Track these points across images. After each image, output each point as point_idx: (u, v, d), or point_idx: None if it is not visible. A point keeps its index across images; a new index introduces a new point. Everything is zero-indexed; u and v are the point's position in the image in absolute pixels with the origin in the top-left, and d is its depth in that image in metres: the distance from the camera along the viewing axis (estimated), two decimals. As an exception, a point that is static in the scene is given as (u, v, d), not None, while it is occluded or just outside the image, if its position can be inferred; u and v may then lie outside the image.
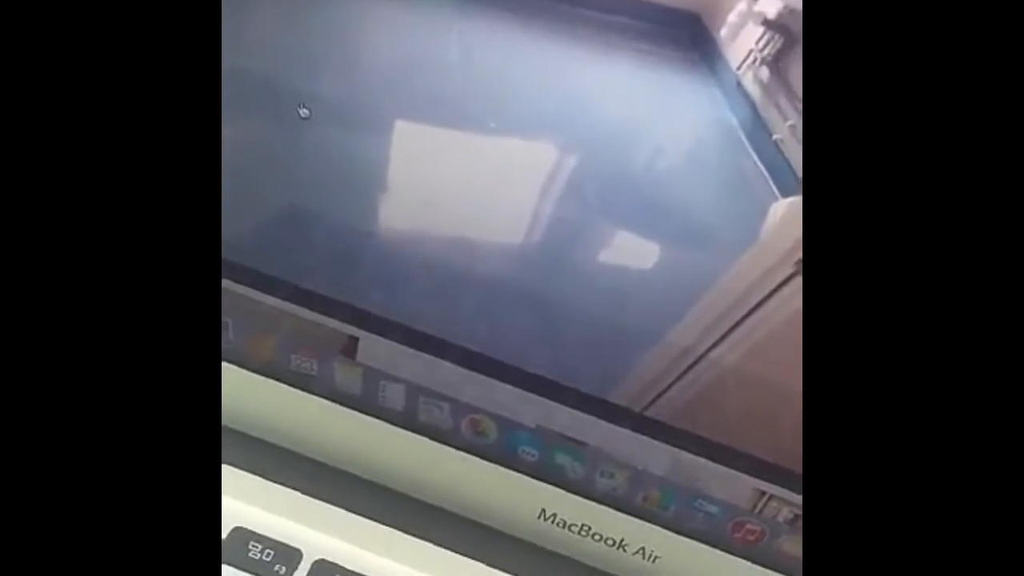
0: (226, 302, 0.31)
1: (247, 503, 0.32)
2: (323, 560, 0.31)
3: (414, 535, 0.33)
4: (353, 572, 0.31)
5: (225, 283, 0.31)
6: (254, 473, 0.33)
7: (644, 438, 0.30)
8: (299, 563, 0.31)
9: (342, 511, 0.33)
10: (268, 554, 0.31)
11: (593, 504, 0.32)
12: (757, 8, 0.23)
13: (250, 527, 0.32)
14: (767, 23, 0.23)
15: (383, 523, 0.33)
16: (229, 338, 0.32)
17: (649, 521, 0.32)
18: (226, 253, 0.30)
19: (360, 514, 0.33)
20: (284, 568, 0.31)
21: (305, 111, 0.28)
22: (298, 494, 0.33)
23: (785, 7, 0.23)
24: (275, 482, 0.33)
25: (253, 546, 0.31)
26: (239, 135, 0.28)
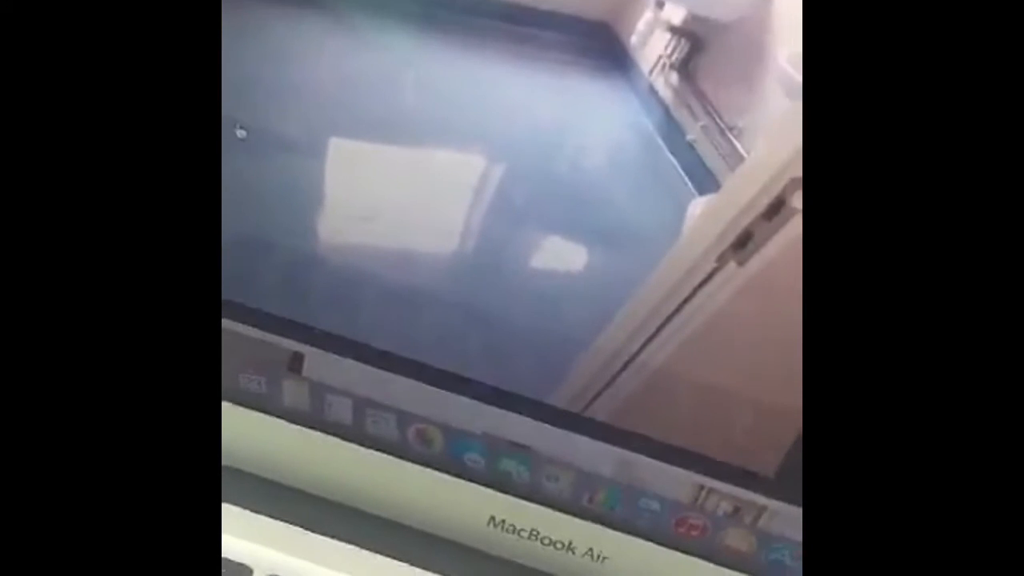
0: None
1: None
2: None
3: (365, 548, 0.33)
4: (305, 586, 0.32)
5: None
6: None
7: (586, 439, 0.31)
8: (250, 579, 0.32)
9: (292, 526, 0.33)
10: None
11: (540, 508, 0.33)
12: (663, 16, 0.24)
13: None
14: (673, 29, 0.25)
15: (334, 537, 0.33)
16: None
17: (596, 522, 0.33)
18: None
19: (310, 529, 0.33)
20: (235, 585, 0.31)
21: (242, 132, 0.29)
22: (246, 512, 0.33)
23: (690, 14, 0.24)
24: (224, 501, 0.33)
25: (205, 565, 0.31)
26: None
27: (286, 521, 0.33)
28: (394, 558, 0.33)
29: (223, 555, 0.32)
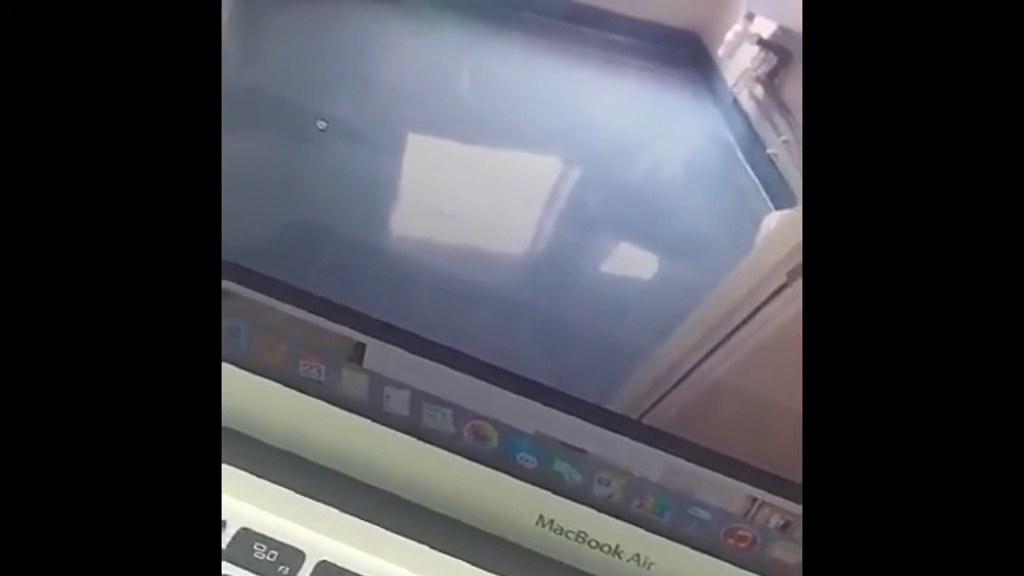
0: (238, 307, 0.32)
1: (253, 505, 0.33)
2: (326, 562, 0.32)
3: (414, 539, 0.33)
4: (354, 574, 0.32)
5: (237, 288, 0.32)
6: (261, 476, 0.34)
7: (641, 445, 0.31)
8: (302, 564, 0.32)
9: (345, 515, 0.33)
10: (272, 555, 0.32)
11: (589, 511, 0.33)
12: (753, 28, 0.25)
13: (256, 528, 0.32)
14: (762, 43, 0.25)
15: (384, 527, 0.34)
16: (240, 343, 0.33)
17: (644, 528, 0.33)
18: (240, 259, 0.31)
19: (362, 518, 0.34)
20: (288, 569, 0.32)
21: (322, 123, 0.29)
22: (303, 497, 0.34)
23: (779, 28, 0.24)
24: (281, 485, 0.34)
25: (258, 547, 0.32)
26: (258, 147, 0.29)
27: (340, 508, 0.33)
28: (441, 550, 0.33)
29: (278, 539, 0.32)
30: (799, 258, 0.27)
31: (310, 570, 0.32)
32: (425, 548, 0.33)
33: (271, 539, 0.32)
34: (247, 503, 0.33)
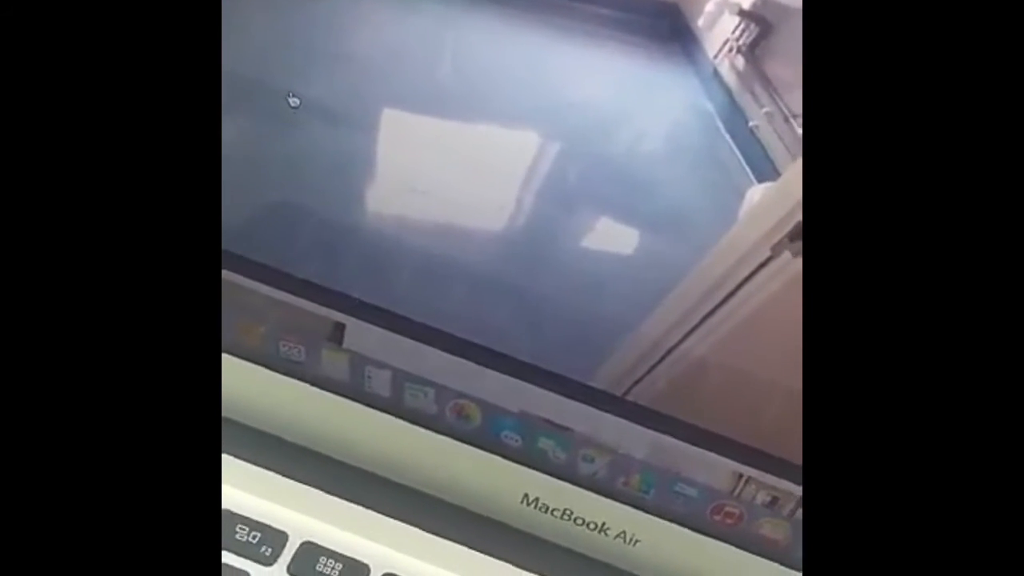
0: (215, 288, 0.32)
1: (234, 487, 0.33)
2: (309, 542, 0.32)
3: (398, 519, 0.33)
4: (338, 554, 0.32)
5: (214, 269, 0.32)
6: (243, 458, 0.33)
7: (625, 422, 0.31)
8: (285, 545, 0.32)
9: (328, 495, 0.33)
10: (255, 536, 0.32)
11: (574, 488, 0.33)
12: (733, -2, 0.24)
13: (238, 510, 0.32)
14: (743, 13, 0.24)
15: (368, 507, 0.33)
16: (217, 324, 0.33)
17: (630, 505, 0.33)
18: (215, 239, 0.31)
19: (345, 498, 0.33)
20: (270, 550, 0.32)
21: (295, 100, 0.28)
22: (285, 479, 0.33)
23: (760, -3, 0.24)
24: (263, 467, 0.33)
25: (240, 528, 0.32)
26: (230, 127, 0.29)
27: (322, 489, 0.33)
28: (425, 530, 0.33)
29: (260, 520, 0.32)
30: (783, 231, 0.26)
31: (293, 551, 0.32)
32: (409, 528, 0.33)
33: (254, 520, 0.32)
34: (229, 485, 0.33)
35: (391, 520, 0.33)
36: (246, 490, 0.33)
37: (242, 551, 0.31)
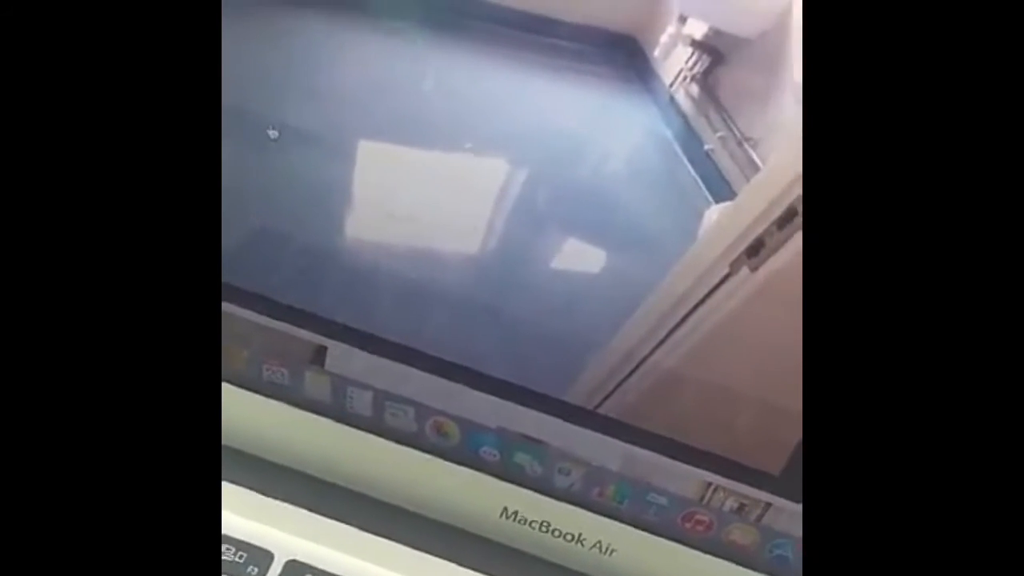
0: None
1: (223, 508, 0.34)
2: (294, 561, 0.33)
3: (382, 536, 0.34)
4: (323, 572, 0.33)
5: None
6: (228, 480, 0.34)
7: (598, 435, 0.32)
8: (271, 564, 0.33)
9: (312, 514, 0.34)
10: (241, 556, 0.33)
11: (552, 501, 0.34)
12: (686, 30, 0.26)
13: (224, 531, 0.33)
14: (695, 44, 0.26)
15: (353, 525, 0.34)
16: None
17: (605, 515, 0.34)
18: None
19: (330, 517, 0.34)
20: (257, 569, 0.32)
21: (274, 132, 0.30)
22: (270, 499, 0.34)
23: (711, 29, 0.25)
24: (248, 487, 0.34)
25: (227, 549, 0.33)
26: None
27: (307, 508, 0.34)
28: (409, 546, 0.34)
29: (246, 540, 0.33)
30: (740, 248, 0.28)
31: (279, 570, 0.33)
32: (392, 544, 0.34)
33: (240, 541, 0.33)
34: (215, 507, 0.34)
35: (375, 537, 0.34)
36: (232, 510, 0.34)
37: (229, 571, 0.32)
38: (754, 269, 0.28)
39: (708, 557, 0.34)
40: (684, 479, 0.32)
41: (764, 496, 0.32)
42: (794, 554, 0.33)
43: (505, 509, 0.34)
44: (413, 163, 0.30)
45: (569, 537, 0.34)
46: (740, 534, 0.33)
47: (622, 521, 0.34)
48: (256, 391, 0.34)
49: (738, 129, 0.26)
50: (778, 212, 0.27)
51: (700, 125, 0.26)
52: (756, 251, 0.28)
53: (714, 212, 0.27)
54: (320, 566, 0.33)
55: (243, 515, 0.34)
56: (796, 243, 0.27)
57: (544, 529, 0.34)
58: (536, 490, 0.34)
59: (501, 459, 0.34)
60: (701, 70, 0.26)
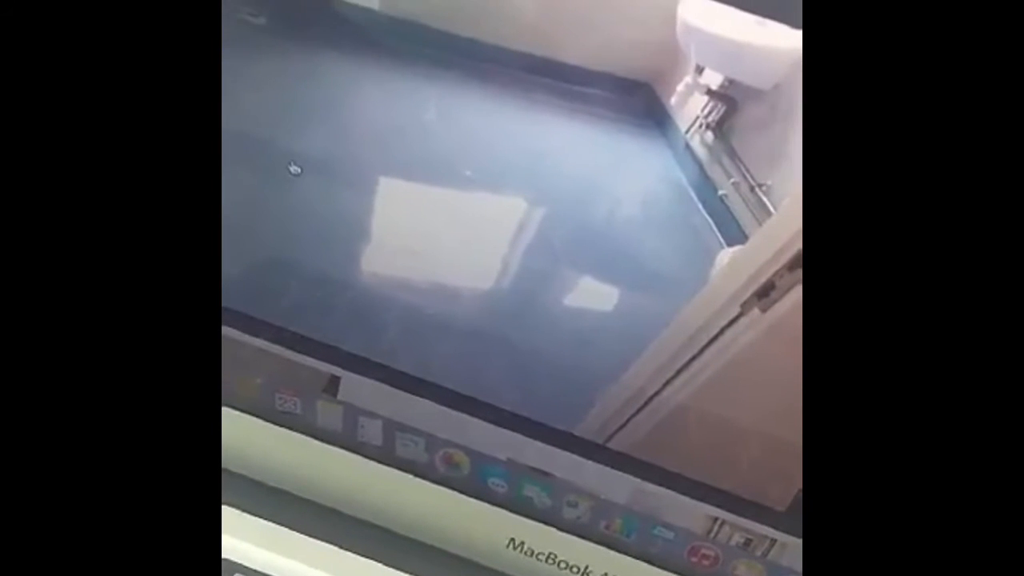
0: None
1: (231, 536, 0.34)
2: (305, 590, 0.33)
3: (391, 565, 0.35)
4: (334, 600, 0.33)
5: (215, 326, 0.33)
6: (239, 508, 0.35)
7: (607, 469, 0.33)
8: (282, 593, 0.33)
9: (322, 543, 0.35)
10: (253, 584, 0.33)
11: (559, 533, 0.34)
12: (702, 80, 0.26)
13: (235, 559, 0.33)
14: (711, 93, 0.26)
15: (362, 554, 0.35)
16: (217, 378, 0.34)
17: (612, 548, 0.34)
18: (217, 298, 0.32)
19: (340, 546, 0.35)
20: (267, 597, 0.33)
21: (296, 168, 0.30)
22: (281, 527, 0.35)
23: (726, 79, 0.26)
24: (259, 516, 0.35)
25: (238, 576, 0.33)
26: (233, 188, 0.31)
27: (316, 537, 0.34)
28: (417, 575, 0.35)
29: (257, 569, 0.33)
30: (750, 290, 0.28)
31: (289, 598, 0.33)
32: (400, 573, 0.34)
33: (251, 569, 0.33)
34: (227, 535, 0.34)
35: (385, 567, 0.34)
36: (243, 539, 0.34)
37: (240, 598, 0.33)
38: (764, 310, 0.28)
39: (713, 591, 0.34)
40: (691, 513, 0.33)
41: (770, 532, 0.32)
42: (798, 589, 0.34)
43: (512, 540, 0.35)
44: (431, 200, 0.30)
45: (576, 569, 0.35)
46: (746, 569, 0.34)
47: (629, 554, 0.34)
48: (268, 419, 0.35)
49: (751, 175, 0.27)
50: (788, 255, 0.27)
51: (714, 171, 0.27)
52: (766, 293, 0.28)
53: (726, 255, 0.28)
54: (330, 595, 0.33)
55: (254, 543, 0.34)
56: (806, 286, 0.28)
57: (551, 561, 0.35)
58: (544, 522, 0.34)
59: (510, 490, 0.34)
60: (716, 118, 0.27)
